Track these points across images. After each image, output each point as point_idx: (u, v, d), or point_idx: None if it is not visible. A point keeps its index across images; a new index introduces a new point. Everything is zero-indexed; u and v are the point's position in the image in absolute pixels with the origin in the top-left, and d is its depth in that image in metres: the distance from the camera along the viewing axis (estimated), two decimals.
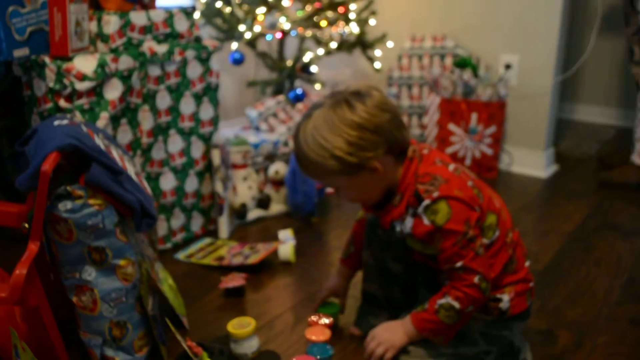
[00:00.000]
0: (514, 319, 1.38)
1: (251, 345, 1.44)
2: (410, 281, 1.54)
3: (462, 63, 2.99)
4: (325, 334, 1.52)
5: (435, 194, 1.27)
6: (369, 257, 1.57)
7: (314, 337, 1.51)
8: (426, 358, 1.34)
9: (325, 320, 1.58)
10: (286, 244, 2.02)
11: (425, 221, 1.29)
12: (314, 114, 1.31)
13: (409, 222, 1.33)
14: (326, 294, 1.65)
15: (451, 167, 1.35)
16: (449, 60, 3.13)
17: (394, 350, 1.34)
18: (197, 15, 2.22)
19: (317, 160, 1.29)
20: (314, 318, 1.59)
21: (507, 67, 2.97)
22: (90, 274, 1.38)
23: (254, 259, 1.93)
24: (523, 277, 1.38)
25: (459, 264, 1.28)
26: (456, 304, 1.28)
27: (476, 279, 1.27)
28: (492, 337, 1.37)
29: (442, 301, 1.29)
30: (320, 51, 2.80)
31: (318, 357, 1.44)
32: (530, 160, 3.02)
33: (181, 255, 2.04)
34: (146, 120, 1.89)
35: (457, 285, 1.28)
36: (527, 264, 1.42)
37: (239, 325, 1.44)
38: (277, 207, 2.42)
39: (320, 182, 1.42)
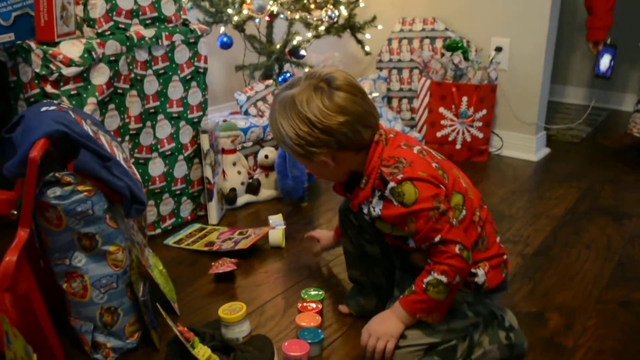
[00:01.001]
0: (491, 291, 1.40)
1: (242, 330, 1.44)
2: (388, 263, 1.56)
3: (452, 46, 2.99)
4: (316, 320, 1.53)
5: (400, 176, 1.28)
6: (347, 243, 1.62)
7: (304, 323, 1.51)
8: (423, 338, 1.34)
9: (313, 306, 1.60)
10: (276, 229, 2.01)
11: (395, 203, 1.30)
12: (282, 94, 1.35)
13: (377, 206, 1.35)
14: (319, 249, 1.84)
15: (416, 149, 1.36)
16: (439, 43, 3.12)
17: (394, 340, 1.33)
18: None
19: (278, 138, 1.37)
20: (303, 304, 1.61)
21: (498, 50, 2.97)
22: (80, 260, 1.37)
23: (243, 244, 1.92)
24: (495, 253, 1.40)
25: (437, 238, 1.28)
26: (443, 278, 1.28)
27: (457, 249, 1.27)
28: (477, 308, 1.39)
29: (429, 279, 1.29)
30: (309, 34, 2.78)
31: (309, 341, 1.45)
32: (521, 144, 3.02)
33: (171, 241, 2.04)
34: (134, 106, 1.88)
35: (440, 259, 1.28)
36: (497, 239, 1.43)
37: (230, 310, 1.44)
38: (266, 192, 2.42)
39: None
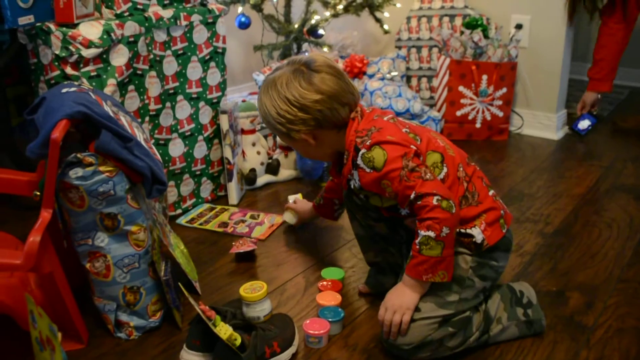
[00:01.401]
0: (493, 249, 1.40)
1: (263, 309, 1.45)
2: (399, 238, 1.58)
3: (472, 24, 2.95)
4: (337, 299, 1.53)
5: (369, 142, 1.34)
6: (357, 227, 1.63)
7: (324, 302, 1.52)
8: (437, 310, 1.34)
9: (332, 284, 1.61)
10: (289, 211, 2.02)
11: (367, 169, 1.35)
12: (266, 79, 1.46)
13: (356, 176, 1.40)
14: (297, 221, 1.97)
15: (386, 117, 1.43)
16: (458, 21, 3.09)
17: (409, 312, 1.34)
18: None
19: (263, 119, 1.48)
20: (323, 283, 1.61)
21: (518, 27, 2.92)
22: (102, 240, 1.39)
23: (260, 233, 1.95)
24: (489, 207, 1.40)
25: (412, 195, 1.30)
26: (430, 233, 1.28)
27: (434, 200, 1.27)
28: (483, 271, 1.39)
29: (419, 239, 1.30)
30: (328, 13, 2.76)
31: (330, 319, 1.45)
32: (541, 123, 2.99)
33: (183, 220, 2.05)
34: (153, 87, 1.88)
35: (422, 215, 1.29)
36: (491, 193, 1.44)
37: (251, 289, 1.45)
38: (286, 173, 2.42)
39: None
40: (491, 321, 1.42)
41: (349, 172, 1.42)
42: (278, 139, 2.41)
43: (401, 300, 1.35)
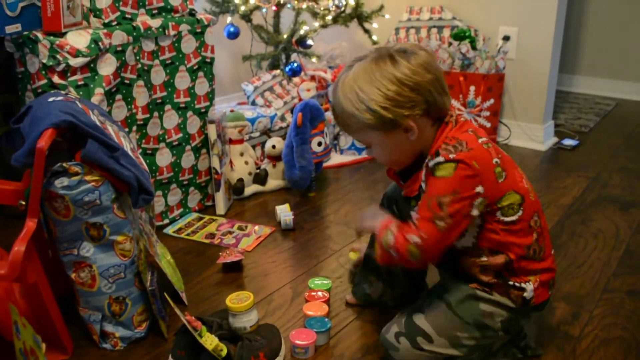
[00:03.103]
0: (534, 308, 1.36)
1: (250, 319, 1.45)
2: (422, 284, 1.57)
3: (460, 35, 2.97)
4: (323, 309, 1.53)
5: (452, 156, 1.21)
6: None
7: (311, 312, 1.52)
8: (448, 349, 1.32)
9: (320, 295, 1.61)
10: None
11: (430, 172, 1.25)
12: (355, 66, 1.28)
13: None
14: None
15: (481, 140, 1.28)
16: (446, 32, 3.11)
17: (369, 230, 1.40)
18: None
19: (353, 112, 1.27)
20: (310, 294, 1.61)
21: (506, 38, 2.95)
22: (88, 250, 1.38)
23: (246, 244, 1.95)
24: (548, 267, 1.35)
25: (415, 216, 1.25)
26: (392, 238, 1.26)
27: (412, 238, 1.22)
28: (510, 327, 1.35)
29: (393, 225, 1.28)
30: (317, 24, 2.77)
31: (316, 330, 1.45)
32: (529, 134, 3.01)
33: (170, 230, 2.04)
34: (141, 96, 1.88)
35: (404, 229, 1.25)
36: (552, 252, 1.39)
37: (238, 300, 1.44)
38: (274, 183, 2.42)
39: (355, 137, 1.41)
40: (489, 357, 1.41)
41: (420, 177, 1.30)
42: (266, 149, 2.41)
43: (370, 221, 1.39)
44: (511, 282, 1.31)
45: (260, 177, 2.37)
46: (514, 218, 1.28)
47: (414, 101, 1.23)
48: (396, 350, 1.34)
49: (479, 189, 1.22)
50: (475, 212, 1.25)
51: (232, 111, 2.35)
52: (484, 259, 1.31)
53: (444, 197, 1.21)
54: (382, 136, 1.29)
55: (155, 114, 1.96)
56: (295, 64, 2.69)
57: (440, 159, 1.22)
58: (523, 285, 1.31)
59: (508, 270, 1.31)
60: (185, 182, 2.13)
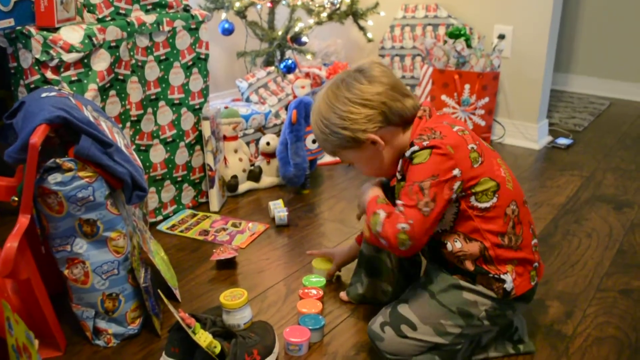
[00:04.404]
0: (518, 299, 1.37)
1: (243, 316, 1.44)
2: (414, 271, 1.59)
3: (455, 33, 2.97)
4: (317, 307, 1.53)
5: (425, 143, 1.27)
6: (371, 249, 1.59)
7: (305, 310, 1.52)
8: (433, 337, 1.33)
9: (314, 292, 1.61)
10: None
11: (407, 159, 1.30)
12: (318, 95, 1.40)
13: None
14: (322, 253, 1.79)
15: (456, 128, 1.33)
16: (442, 30, 3.11)
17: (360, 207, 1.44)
18: None
19: (323, 137, 1.39)
20: (304, 291, 1.61)
21: (501, 37, 2.95)
22: (81, 246, 1.37)
23: (240, 241, 1.94)
24: (525, 257, 1.36)
25: (399, 202, 1.27)
26: (379, 226, 1.27)
27: (400, 226, 1.24)
28: (497, 318, 1.36)
29: (381, 211, 1.29)
30: (312, 21, 2.76)
31: (310, 327, 1.45)
32: (523, 132, 3.01)
33: (164, 227, 2.04)
34: (135, 92, 1.87)
35: (392, 218, 1.27)
36: (533, 242, 1.39)
37: (231, 297, 1.44)
38: (268, 180, 2.41)
39: (336, 157, 1.47)
40: (477, 349, 1.42)
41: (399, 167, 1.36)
42: (260, 146, 2.40)
43: (362, 195, 1.43)
44: (491, 274, 1.32)
45: (255, 174, 2.37)
46: (487, 205, 1.31)
47: (369, 116, 1.32)
48: (381, 340, 1.35)
49: (456, 171, 1.27)
50: (454, 196, 1.29)
51: (226, 108, 2.35)
52: (459, 245, 1.33)
53: (424, 182, 1.25)
54: (355, 153, 1.39)
55: (149, 110, 1.95)
56: (290, 61, 2.69)
57: (415, 147, 1.28)
58: (502, 276, 1.33)
59: (485, 260, 1.32)
60: (179, 179, 2.12)
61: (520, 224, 1.36)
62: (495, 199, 1.32)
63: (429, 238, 1.30)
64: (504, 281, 1.33)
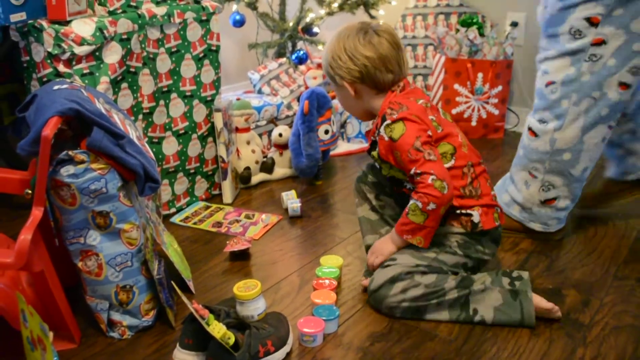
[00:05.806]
0: (484, 233, 1.54)
1: (257, 308, 1.44)
2: None
3: (467, 21, 2.94)
4: (331, 297, 1.52)
5: (395, 116, 1.49)
6: (366, 210, 1.72)
7: (319, 300, 1.51)
8: (411, 260, 1.49)
9: (327, 283, 1.60)
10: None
11: (385, 138, 1.50)
12: (337, 31, 1.61)
13: (378, 143, 1.55)
14: None
15: (420, 101, 1.54)
16: (454, 19, 3.08)
17: (382, 257, 1.55)
18: None
19: (323, 62, 1.63)
20: (318, 282, 1.61)
21: (514, 24, 2.92)
22: (95, 238, 1.37)
23: (254, 232, 1.94)
24: (487, 203, 1.55)
25: (413, 170, 1.45)
26: (419, 203, 1.45)
27: (429, 179, 1.42)
28: (467, 249, 1.54)
29: (410, 204, 1.47)
30: (323, 11, 2.75)
31: (324, 318, 1.44)
32: None
33: (177, 219, 2.04)
34: (147, 84, 1.87)
35: (418, 188, 1.45)
36: (492, 192, 1.58)
37: (245, 288, 1.44)
38: (281, 171, 2.41)
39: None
40: (472, 281, 1.50)
41: (373, 134, 1.57)
42: (273, 137, 2.40)
43: (382, 247, 1.57)
44: (458, 211, 1.53)
45: (267, 166, 2.37)
46: (447, 165, 1.50)
47: (350, 68, 1.54)
48: (372, 282, 1.52)
49: (429, 132, 1.49)
50: None
51: (238, 99, 2.34)
52: None
53: (415, 144, 1.45)
54: (336, 89, 1.65)
55: (161, 102, 1.95)
56: (302, 52, 2.68)
57: (387, 121, 1.50)
58: (469, 211, 1.52)
59: (453, 207, 1.52)
60: (192, 171, 2.12)
61: (477, 179, 1.55)
62: (453, 161, 1.52)
63: (406, 189, 1.57)
64: (470, 215, 1.52)
